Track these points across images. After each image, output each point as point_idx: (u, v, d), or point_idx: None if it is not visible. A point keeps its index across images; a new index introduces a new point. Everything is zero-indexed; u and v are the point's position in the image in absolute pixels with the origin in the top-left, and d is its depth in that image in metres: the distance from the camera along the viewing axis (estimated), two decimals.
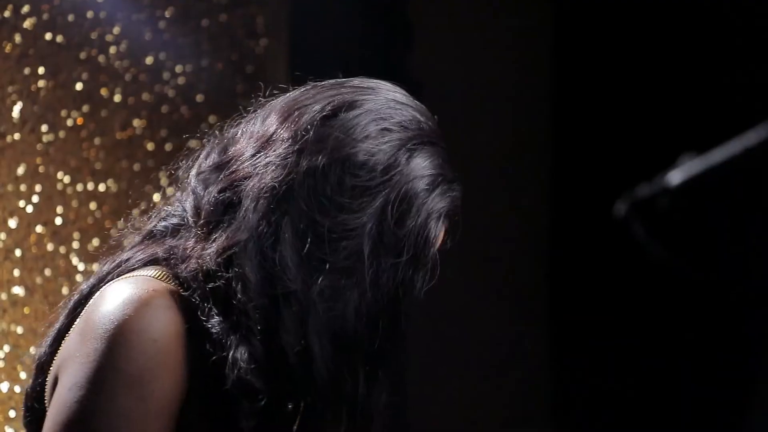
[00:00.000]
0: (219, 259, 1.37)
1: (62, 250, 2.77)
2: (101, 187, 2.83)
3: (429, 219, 1.42)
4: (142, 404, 1.30)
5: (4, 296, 2.67)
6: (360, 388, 1.39)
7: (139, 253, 1.43)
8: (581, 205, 3.41)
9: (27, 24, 2.73)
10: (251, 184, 1.39)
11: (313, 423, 1.39)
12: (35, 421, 1.44)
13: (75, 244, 2.79)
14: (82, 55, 2.81)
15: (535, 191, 3.58)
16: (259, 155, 1.41)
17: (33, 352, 2.68)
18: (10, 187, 2.69)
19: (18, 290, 2.69)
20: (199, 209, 1.42)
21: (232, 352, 1.33)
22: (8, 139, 2.70)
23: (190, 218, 1.43)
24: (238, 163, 1.42)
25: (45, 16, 2.75)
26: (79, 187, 2.80)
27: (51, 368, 1.41)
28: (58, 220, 2.77)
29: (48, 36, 2.77)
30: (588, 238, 3.39)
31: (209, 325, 1.34)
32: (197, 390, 1.34)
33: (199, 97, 2.97)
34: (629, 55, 3.34)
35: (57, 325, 1.44)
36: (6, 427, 2.65)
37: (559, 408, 3.55)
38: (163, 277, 1.38)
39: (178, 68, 2.94)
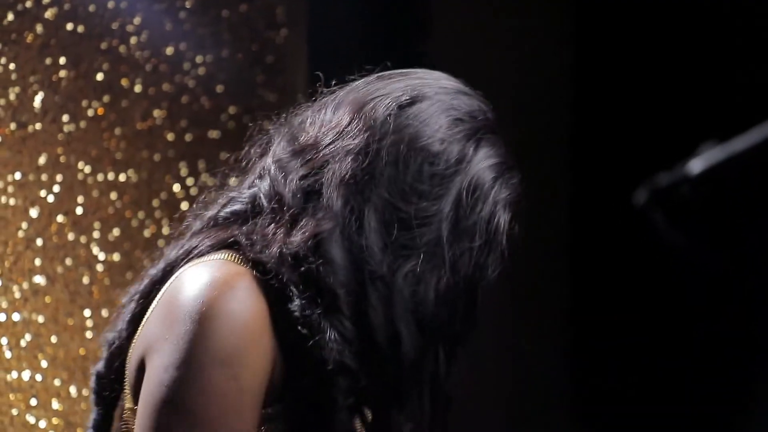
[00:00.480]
0: (307, 245, 1.42)
1: (83, 239, 2.78)
2: (122, 177, 2.84)
3: (497, 206, 1.50)
4: (234, 383, 1.35)
5: (25, 285, 2.68)
6: (441, 368, 1.48)
7: (207, 240, 1.48)
8: (601, 194, 3.40)
9: (48, 14, 2.74)
10: (331, 172, 1.45)
11: (396, 403, 1.45)
12: (111, 402, 1.51)
13: (95, 234, 2.80)
14: (103, 46, 2.82)
15: (554, 180, 3.57)
16: (335, 144, 1.47)
17: (54, 341, 2.70)
18: (31, 177, 2.70)
19: (39, 279, 2.70)
20: (279, 195, 1.47)
21: (327, 334, 1.39)
22: (30, 129, 2.71)
23: (265, 203, 1.48)
24: (314, 151, 1.48)
25: (66, 7, 2.76)
26: (100, 177, 2.81)
27: (130, 351, 1.46)
28: (79, 210, 2.78)
29: (69, 26, 2.77)
30: (608, 227, 3.38)
31: (293, 308, 1.39)
32: (284, 370, 1.39)
33: (219, 88, 2.98)
34: (650, 41, 3.32)
35: (130, 310, 1.49)
36: (27, 415, 2.66)
37: (577, 406, 3.55)
38: (235, 260, 1.43)
39: (199, 59, 2.95)
